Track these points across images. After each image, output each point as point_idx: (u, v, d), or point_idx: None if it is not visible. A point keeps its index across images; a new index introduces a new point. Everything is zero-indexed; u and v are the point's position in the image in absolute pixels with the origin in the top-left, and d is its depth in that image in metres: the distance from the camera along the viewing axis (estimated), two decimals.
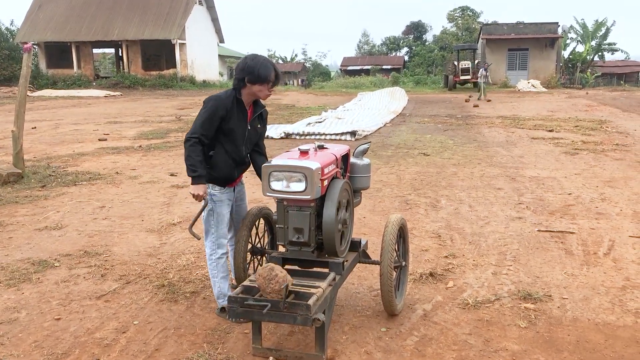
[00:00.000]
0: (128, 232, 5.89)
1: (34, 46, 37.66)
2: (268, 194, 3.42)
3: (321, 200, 3.50)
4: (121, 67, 41.47)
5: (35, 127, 15.33)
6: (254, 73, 3.63)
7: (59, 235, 5.78)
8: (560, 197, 7.18)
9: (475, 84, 33.66)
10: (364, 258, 4.01)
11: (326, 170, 3.47)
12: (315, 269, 3.58)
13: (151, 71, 38.98)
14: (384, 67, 54.31)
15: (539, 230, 5.75)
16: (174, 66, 39.00)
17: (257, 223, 4.00)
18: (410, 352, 3.38)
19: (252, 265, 4.04)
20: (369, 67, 53.70)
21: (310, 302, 2.94)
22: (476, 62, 34.04)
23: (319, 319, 2.92)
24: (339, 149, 3.88)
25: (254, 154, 3.96)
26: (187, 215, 6.45)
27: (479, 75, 26.33)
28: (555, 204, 6.83)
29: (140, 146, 11.92)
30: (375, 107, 19.68)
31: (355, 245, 3.91)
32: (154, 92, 33.50)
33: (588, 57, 45.53)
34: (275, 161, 3.44)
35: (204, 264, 4.88)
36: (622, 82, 46.38)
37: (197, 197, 3.64)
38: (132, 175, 8.89)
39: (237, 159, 3.77)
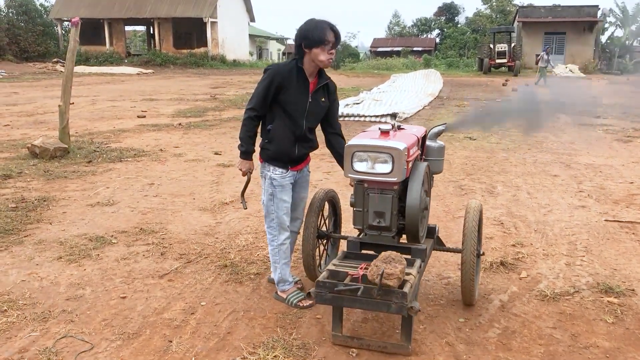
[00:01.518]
0: (181, 210, 5.81)
1: (69, 22, 37.91)
2: (350, 175, 3.26)
3: (403, 184, 3.33)
4: (152, 44, 41.57)
5: (73, 103, 15.34)
6: (309, 37, 3.39)
7: (112, 211, 5.72)
8: (622, 185, 6.89)
9: (510, 68, 32.96)
10: (439, 245, 3.84)
11: (411, 152, 3.30)
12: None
13: (182, 49, 38.99)
14: (415, 48, 53.55)
15: (606, 220, 5.50)
16: (205, 45, 38.95)
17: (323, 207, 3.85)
18: (494, 345, 3.21)
19: (317, 250, 3.90)
20: (399, 48, 52.99)
21: (406, 289, 2.79)
22: (512, 45, 33.25)
23: (414, 308, 2.76)
24: (417, 130, 3.70)
25: (329, 135, 3.73)
26: (238, 195, 6.33)
27: (539, 58, 25.52)
28: (618, 192, 6.55)
29: (180, 124, 11.85)
30: (411, 90, 19.32)
31: (430, 232, 3.75)
32: (185, 71, 33.54)
33: (627, 42, 44.21)
34: (357, 141, 3.27)
35: (263, 244, 4.76)
36: None
37: (242, 172, 3.64)
38: (176, 152, 8.81)
39: (297, 134, 3.51)
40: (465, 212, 3.55)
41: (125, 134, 10.63)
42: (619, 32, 44.85)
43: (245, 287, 3.96)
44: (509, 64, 32.79)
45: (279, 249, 3.68)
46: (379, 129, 3.42)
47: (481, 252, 3.76)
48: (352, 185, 3.65)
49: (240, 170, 3.66)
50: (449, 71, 36.11)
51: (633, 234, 5.14)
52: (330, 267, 3.10)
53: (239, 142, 3.61)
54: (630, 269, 4.32)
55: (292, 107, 3.47)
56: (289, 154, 3.54)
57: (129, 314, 3.57)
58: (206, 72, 33.00)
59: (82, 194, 6.33)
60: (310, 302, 3.59)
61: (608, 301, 3.76)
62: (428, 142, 3.85)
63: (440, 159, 3.88)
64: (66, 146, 8.36)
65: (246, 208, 3.87)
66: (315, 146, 3.69)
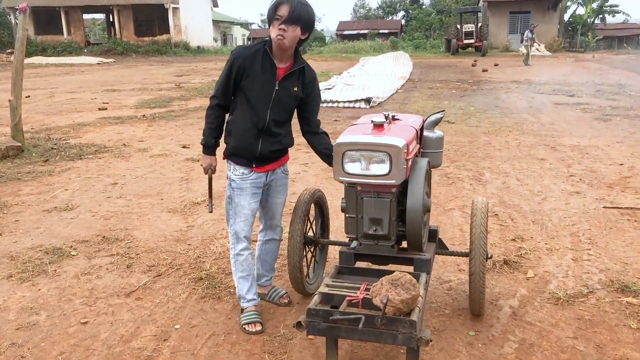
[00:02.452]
0: (148, 212, 5.29)
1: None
2: (341, 177, 2.81)
3: (402, 184, 2.90)
4: (112, 33, 40.22)
5: (29, 96, 14.51)
6: (268, 12, 2.94)
7: (71, 217, 5.17)
8: (612, 168, 6.61)
9: (478, 48, 32.81)
10: (442, 249, 3.43)
11: (410, 148, 2.86)
12: (388, 267, 3.00)
13: (144, 37, 37.80)
14: (381, 31, 53.06)
15: (605, 207, 5.20)
16: (167, 31, 37.84)
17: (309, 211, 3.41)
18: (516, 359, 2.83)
19: (304, 259, 3.46)
20: (365, 31, 52.46)
21: (415, 316, 2.36)
22: (479, 25, 33.08)
23: (424, 338, 2.34)
24: (414, 120, 3.27)
25: (306, 135, 3.27)
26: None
27: (524, 37, 25.23)
28: (610, 176, 6.27)
29: (144, 115, 11.21)
30: (381, 73, 18.92)
31: (432, 235, 3.34)
32: (148, 59, 32.47)
33: (589, 19, 44.52)
34: (348, 138, 2.82)
35: None
36: (624, 45, 45.55)
37: (203, 169, 3.23)
38: (141, 147, 8.23)
39: (260, 126, 3.03)
40: (471, 211, 3.14)
41: (85, 128, 9.96)
42: (581, 10, 45.09)
43: (224, 304, 3.50)
44: (477, 44, 32.63)
45: (235, 260, 3.23)
46: (372, 121, 2.97)
47: (489, 255, 3.37)
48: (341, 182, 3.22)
49: (201, 166, 3.25)
50: (417, 53, 35.79)
51: (635, 221, 4.84)
52: (323, 289, 2.64)
53: (202, 136, 3.21)
54: None
55: (254, 95, 3.01)
56: (251, 150, 3.07)
57: (91, 344, 3.08)
58: (170, 59, 32.00)
59: (38, 198, 5.75)
60: (258, 328, 3.15)
61: (627, 302, 3.43)
62: (425, 133, 3.43)
63: (439, 151, 3.47)
64: (19, 144, 7.70)
65: (211, 211, 3.43)
66: (286, 143, 3.20)
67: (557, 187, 5.87)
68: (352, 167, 2.77)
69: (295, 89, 3.08)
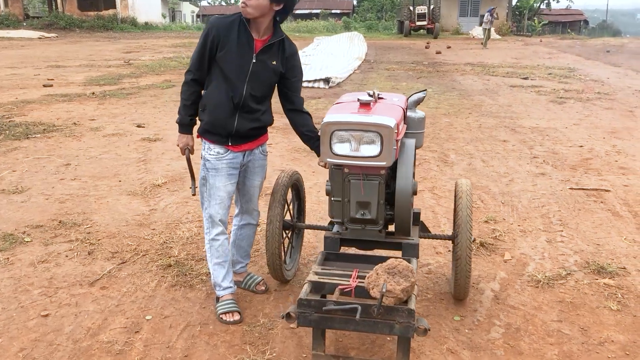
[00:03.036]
0: (106, 195, 5.00)
1: None
2: (329, 159, 2.66)
3: (390, 167, 2.77)
4: (54, 6, 38.38)
5: None
6: None
7: (22, 201, 4.83)
8: (573, 150, 6.71)
9: (430, 30, 33.01)
10: (424, 232, 3.33)
11: (400, 128, 2.74)
12: (373, 252, 2.89)
13: (88, 11, 36.25)
14: (333, 11, 52.76)
15: (571, 188, 5.25)
16: (113, 6, 36.41)
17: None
18: (502, 348, 2.78)
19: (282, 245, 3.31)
20: (317, 10, 52.00)
21: (412, 304, 2.25)
22: (432, 7, 33.26)
23: (423, 327, 2.24)
24: (399, 99, 3.14)
25: (288, 113, 3.10)
26: (171, 174, 5.59)
27: (484, 20, 25.31)
28: (572, 157, 6.35)
29: (94, 93, 10.69)
30: (338, 53, 18.74)
31: (415, 218, 3.23)
32: (93, 35, 31.17)
33: (535, 4, 45.50)
34: (336, 117, 2.66)
35: None
36: (568, 30, 46.86)
37: (180, 150, 3.04)
38: (93, 126, 7.82)
39: (236, 101, 2.84)
40: (455, 194, 3.06)
41: (30, 105, 9.40)
42: None
43: (197, 293, 3.31)
44: (429, 26, 32.78)
45: (210, 245, 3.06)
46: (358, 99, 2.83)
47: (472, 239, 3.31)
48: (325, 167, 3.07)
49: (178, 146, 3.05)
50: (370, 34, 35.70)
51: (601, 202, 4.90)
52: (312, 277, 2.49)
53: (178, 113, 3.01)
54: (613, 243, 4.04)
55: (230, 68, 2.82)
56: (226, 127, 2.89)
57: (54, 338, 2.84)
58: (116, 35, 30.79)
59: None
60: (236, 318, 3.00)
61: (604, 283, 3.44)
62: (408, 113, 3.30)
63: (421, 131, 3.35)
64: None
65: (194, 194, 3.15)
66: (265, 120, 3.01)
67: (522, 169, 5.90)
68: (340, 148, 2.62)
69: (274, 62, 2.91)
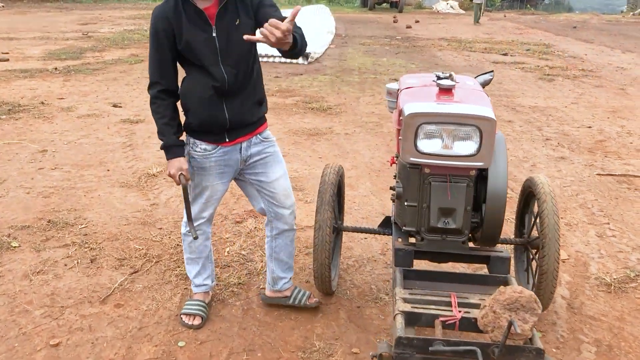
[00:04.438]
0: (96, 187, 4.41)
1: None
2: (413, 159, 2.21)
3: None
4: None
5: None
6: None
7: None
8: (582, 131, 6.44)
9: (393, 4, 32.52)
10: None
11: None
12: (444, 268, 2.48)
13: None
14: None
15: (599, 174, 4.96)
16: None
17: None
18: None
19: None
20: None
21: (538, 342, 1.84)
22: None
23: None
24: (474, 83, 2.70)
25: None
26: (164, 162, 4.99)
27: None
28: (585, 139, 6.08)
29: (57, 69, 9.83)
30: (308, 27, 18.08)
31: None
32: (43, 4, 29.36)
33: None
34: (421, 106, 2.20)
35: (229, 234, 3.62)
36: (527, 5, 47.14)
37: (175, 180, 2.47)
38: (64, 106, 7.09)
39: (221, 89, 2.36)
40: (537, 196, 2.65)
41: None
42: None
43: (231, 309, 2.84)
44: (394, 0, 32.29)
45: (183, 239, 2.76)
46: (437, 83, 2.38)
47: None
48: (393, 163, 2.63)
49: (169, 175, 2.48)
50: (332, 7, 34.93)
51: (636, 189, 4.62)
52: (404, 306, 2.03)
53: (159, 138, 2.46)
54: None
55: (196, 55, 2.33)
56: (218, 122, 2.41)
57: None
58: (68, 6, 29.08)
59: None
60: (196, 322, 2.66)
61: None
62: None
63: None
64: None
65: (196, 237, 2.50)
66: (259, 98, 2.51)
67: (540, 152, 5.59)
68: (428, 145, 2.18)
69: (238, 21, 2.33)
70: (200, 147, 2.47)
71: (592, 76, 10.42)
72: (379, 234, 2.93)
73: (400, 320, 1.95)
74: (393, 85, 2.90)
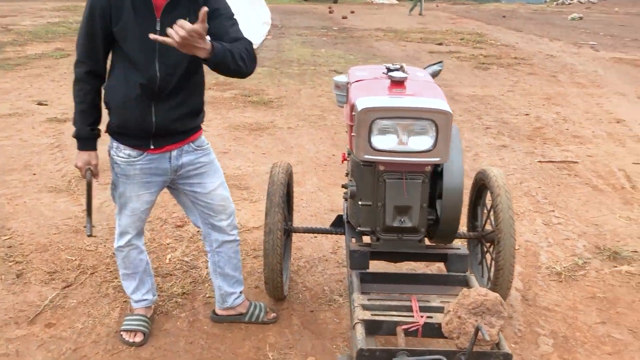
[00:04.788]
0: (21, 194, 4.08)
1: None
2: (368, 156, 2.08)
3: None
4: None
5: None
6: None
7: None
8: (521, 118, 6.54)
9: None
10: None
11: None
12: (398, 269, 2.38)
13: None
14: None
15: (540, 162, 5.02)
16: None
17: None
18: None
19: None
20: None
21: (506, 346, 1.76)
22: None
23: None
24: (425, 74, 2.61)
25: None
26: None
27: None
28: (524, 127, 6.17)
29: None
30: (242, 17, 17.72)
31: None
32: None
33: None
34: (374, 100, 2.08)
35: (170, 240, 3.41)
36: None
37: (81, 172, 2.31)
38: None
39: (150, 89, 2.12)
40: (490, 189, 2.60)
41: None
42: None
43: (176, 321, 2.65)
44: None
45: (116, 253, 2.52)
46: (388, 75, 2.27)
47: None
48: (345, 160, 2.50)
49: (76, 167, 2.31)
50: None
51: (576, 175, 4.70)
52: (362, 313, 1.88)
53: (73, 123, 2.27)
54: (610, 222, 3.82)
55: (132, 46, 2.11)
56: (142, 126, 2.18)
57: None
58: None
59: None
60: (138, 340, 2.46)
61: (626, 271, 3.17)
62: None
63: None
64: None
65: (90, 235, 2.36)
66: (194, 105, 2.28)
67: (481, 141, 5.62)
68: (383, 142, 2.06)
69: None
70: (123, 153, 2.25)
71: (524, 64, 10.67)
72: (332, 233, 2.81)
73: (360, 330, 1.83)
74: (341, 78, 2.77)
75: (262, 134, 5.67)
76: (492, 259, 2.77)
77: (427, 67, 2.85)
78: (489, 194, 2.68)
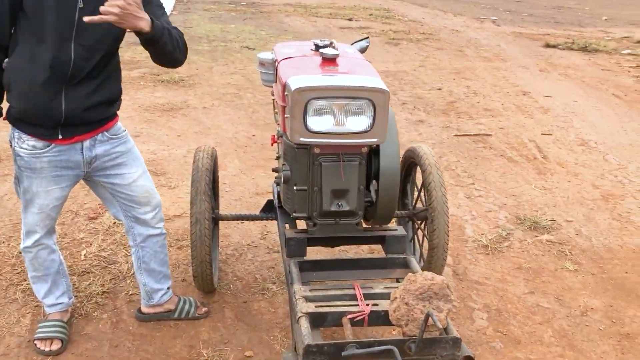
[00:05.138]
0: None
1: None
2: (304, 139, 1.97)
3: None
4: None
5: None
6: None
7: None
8: (434, 93, 6.65)
9: None
10: None
11: None
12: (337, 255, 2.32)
13: None
14: None
15: (456, 135, 5.12)
16: None
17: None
18: (498, 339, 2.44)
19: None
20: None
21: (453, 330, 1.73)
22: None
23: (467, 355, 1.73)
24: (354, 51, 2.52)
25: None
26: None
27: None
28: (438, 102, 6.27)
29: None
30: None
31: None
32: None
33: None
34: (305, 80, 1.96)
35: (84, 234, 3.15)
36: None
37: None
38: None
39: (58, 70, 1.89)
40: (421, 167, 2.58)
41: None
42: None
43: (98, 324, 2.44)
44: None
45: (23, 255, 2.30)
46: (320, 52, 2.16)
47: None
48: (275, 142, 2.38)
49: None
50: None
51: (491, 148, 4.84)
52: (305, 305, 1.77)
53: None
54: (527, 192, 3.95)
55: (45, 21, 1.87)
56: (49, 114, 1.95)
57: None
58: None
59: None
60: (55, 348, 2.25)
61: (547, 240, 3.29)
62: None
63: None
64: None
65: None
66: (111, 94, 2.07)
67: (399, 117, 5.64)
68: (319, 123, 1.95)
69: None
70: (27, 144, 2.00)
71: (432, 39, 10.89)
72: (263, 219, 2.69)
73: (305, 325, 1.73)
74: (266, 55, 2.63)
75: (176, 114, 5.40)
76: (423, 236, 2.77)
77: (354, 43, 2.77)
78: (418, 172, 2.65)
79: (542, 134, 5.23)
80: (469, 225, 3.45)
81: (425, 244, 2.83)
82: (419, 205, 2.72)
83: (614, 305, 2.69)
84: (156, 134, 4.83)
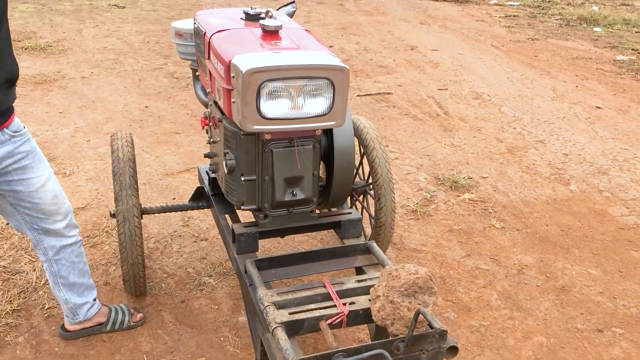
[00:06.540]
0: None
1: None
2: (258, 127, 1.75)
3: None
4: None
5: None
6: None
7: None
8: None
9: None
10: None
11: None
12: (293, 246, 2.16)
13: None
14: None
15: (359, 95, 5.07)
16: None
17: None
18: (449, 308, 2.44)
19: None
20: None
21: (438, 323, 1.65)
22: None
23: (454, 346, 1.67)
24: (289, 20, 2.30)
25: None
26: None
27: None
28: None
29: None
30: None
31: None
32: None
33: None
34: (255, 59, 1.73)
35: (24, 243, 2.70)
36: None
37: None
38: None
39: None
40: (360, 142, 2.47)
41: None
42: None
43: (15, 349, 2.10)
44: None
45: None
46: (261, 24, 1.93)
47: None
48: (210, 129, 2.14)
49: None
50: None
51: (394, 106, 4.85)
52: (278, 314, 1.57)
53: None
54: (439, 151, 4.00)
55: None
56: None
57: None
58: None
59: None
60: None
61: (469, 199, 3.35)
62: None
63: None
64: None
65: None
66: (10, 77, 1.70)
67: None
68: (274, 108, 1.74)
69: None
70: None
71: None
72: (194, 209, 2.45)
73: (283, 337, 1.56)
74: (184, 25, 2.34)
75: (52, 87, 4.80)
76: (362, 209, 2.69)
77: (280, 8, 2.53)
78: (364, 149, 2.53)
79: (439, 89, 5.33)
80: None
81: (366, 216, 2.76)
82: (357, 180, 2.61)
83: (544, 260, 2.81)
84: (33, 112, 4.26)
